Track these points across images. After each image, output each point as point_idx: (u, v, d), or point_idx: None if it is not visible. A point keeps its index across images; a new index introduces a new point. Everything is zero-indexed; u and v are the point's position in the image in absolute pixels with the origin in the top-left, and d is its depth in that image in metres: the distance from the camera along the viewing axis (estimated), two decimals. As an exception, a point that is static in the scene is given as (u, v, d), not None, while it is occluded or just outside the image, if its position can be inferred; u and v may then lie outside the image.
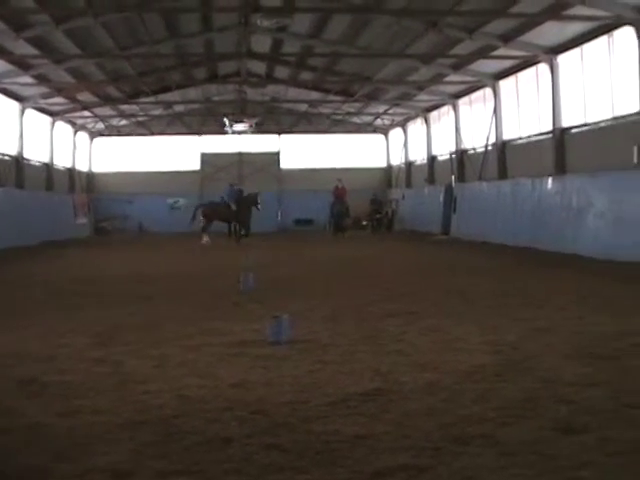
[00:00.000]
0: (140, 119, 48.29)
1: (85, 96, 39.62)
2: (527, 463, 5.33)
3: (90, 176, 49.46)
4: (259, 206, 35.82)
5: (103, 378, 8.03)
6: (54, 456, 5.58)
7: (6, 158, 34.43)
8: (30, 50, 28.00)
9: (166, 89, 40.44)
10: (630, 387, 7.31)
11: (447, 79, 34.35)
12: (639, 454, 5.47)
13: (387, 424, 6.27)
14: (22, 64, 30.31)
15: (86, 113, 43.94)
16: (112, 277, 18.28)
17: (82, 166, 48.08)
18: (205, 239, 33.60)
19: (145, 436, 6.07)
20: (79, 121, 45.66)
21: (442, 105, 39.95)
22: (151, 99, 42.14)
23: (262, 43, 33.93)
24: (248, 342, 9.90)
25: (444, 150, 40.49)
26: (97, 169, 49.99)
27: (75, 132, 46.22)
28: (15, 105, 35.76)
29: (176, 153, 50.16)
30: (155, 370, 8.40)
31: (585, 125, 26.03)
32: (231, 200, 36.36)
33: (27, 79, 32.36)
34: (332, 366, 8.46)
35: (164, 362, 8.78)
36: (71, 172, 45.53)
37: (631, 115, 22.97)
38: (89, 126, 47.57)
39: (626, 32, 22.70)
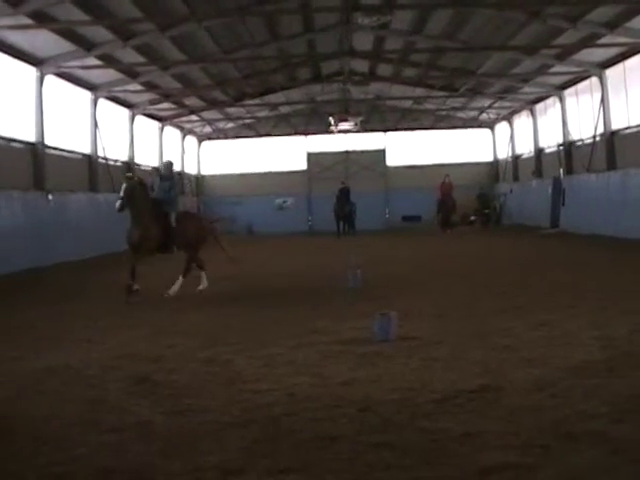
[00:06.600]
0: (246, 121, 48.82)
1: (192, 101, 40.31)
2: (641, 461, 5.20)
3: (199, 179, 50.27)
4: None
5: (212, 377, 8.15)
6: (164, 454, 5.70)
7: (118, 164, 35.21)
8: (138, 58, 28.66)
9: (271, 90, 40.78)
10: None
11: (552, 70, 33.65)
12: None
13: (495, 421, 6.20)
14: (131, 72, 31.04)
15: (193, 117, 44.70)
16: (216, 278, 18.46)
17: (191, 169, 48.91)
18: None
19: (254, 434, 6.13)
20: (187, 125, 46.45)
21: (548, 97, 39.23)
22: (256, 101, 42.56)
23: (364, 41, 33.92)
24: (355, 340, 9.90)
25: (551, 142, 39.75)
26: (205, 172, 50.78)
27: (183, 136, 47.06)
28: (125, 112, 36.63)
29: (283, 153, 50.54)
30: (263, 369, 8.48)
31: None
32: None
33: (136, 86, 33.10)
34: (439, 363, 8.41)
35: (272, 361, 8.86)
36: (180, 175, 46.30)
37: None
38: (197, 130, 48.36)
39: None
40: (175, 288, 15.85)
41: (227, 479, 5.18)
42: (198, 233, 16.64)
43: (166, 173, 16.91)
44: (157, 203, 15.93)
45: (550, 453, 5.41)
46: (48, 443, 6.06)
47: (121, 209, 15.21)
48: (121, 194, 15.16)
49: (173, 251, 16.39)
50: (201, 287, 16.27)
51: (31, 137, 26.46)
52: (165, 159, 17.29)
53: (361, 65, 39.01)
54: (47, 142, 27.29)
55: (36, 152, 26.60)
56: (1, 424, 6.65)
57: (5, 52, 24.21)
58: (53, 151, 28.27)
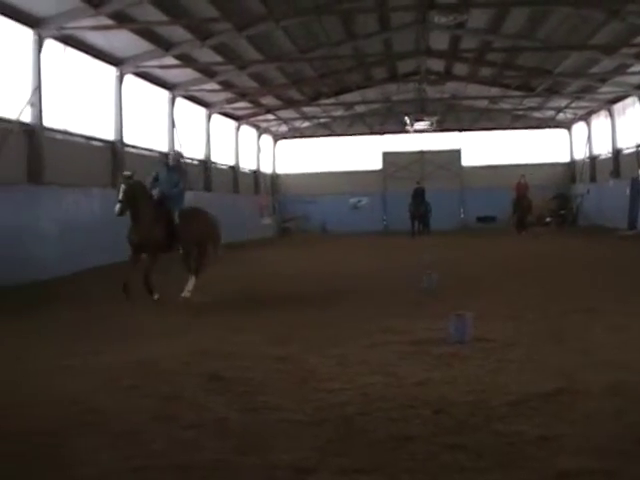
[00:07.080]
0: (322, 120, 48.96)
1: (268, 100, 40.56)
2: None
3: (274, 178, 50.57)
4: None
5: (285, 376, 8.19)
6: (239, 451, 5.74)
7: (195, 162, 35.58)
8: (215, 57, 28.98)
9: (346, 90, 40.88)
10: None
11: (631, 69, 33.01)
12: None
13: (571, 425, 6.12)
14: (208, 71, 31.40)
15: (269, 116, 44.96)
16: (292, 276, 18.53)
17: (266, 168, 49.22)
18: None
19: (328, 433, 6.13)
20: (263, 124, 46.77)
21: (627, 97, 38.51)
22: (332, 100, 42.68)
23: (440, 40, 33.75)
24: (430, 340, 9.84)
25: (630, 143, 39.06)
26: (280, 171, 51.08)
27: (259, 135, 47.40)
28: (202, 111, 37.02)
29: (358, 153, 50.64)
30: (336, 368, 8.47)
31: None
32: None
33: (213, 85, 33.46)
34: (514, 365, 8.33)
35: (345, 360, 8.85)
36: (256, 174, 46.70)
37: None
38: (273, 129, 48.66)
39: None
40: (190, 287, 15.17)
41: (300, 477, 5.20)
42: (203, 231, 15.61)
43: (174, 164, 15.82)
44: (159, 202, 14.77)
45: (628, 458, 5.32)
46: (124, 437, 6.15)
47: (121, 213, 14.04)
48: (120, 197, 14.00)
49: (179, 249, 15.33)
50: (187, 294, 15.11)
51: (110, 135, 26.92)
52: (175, 149, 16.14)
53: (437, 64, 38.87)
54: (126, 140, 27.73)
55: (115, 150, 27.07)
56: (77, 417, 6.77)
57: (86, 52, 24.67)
58: (131, 149, 28.69)
